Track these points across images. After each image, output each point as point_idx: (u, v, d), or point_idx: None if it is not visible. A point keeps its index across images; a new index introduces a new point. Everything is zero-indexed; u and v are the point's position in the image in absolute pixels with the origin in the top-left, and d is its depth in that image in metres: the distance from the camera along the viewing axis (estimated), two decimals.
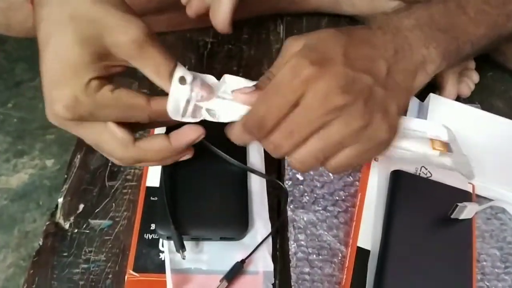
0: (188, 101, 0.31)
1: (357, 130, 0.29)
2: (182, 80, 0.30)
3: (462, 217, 0.39)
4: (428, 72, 0.34)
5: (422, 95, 0.48)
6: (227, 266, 0.38)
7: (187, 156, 0.35)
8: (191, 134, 0.33)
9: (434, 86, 0.52)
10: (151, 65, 0.29)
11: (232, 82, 0.32)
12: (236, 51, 0.57)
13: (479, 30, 0.37)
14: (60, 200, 0.43)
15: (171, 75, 0.30)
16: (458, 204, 0.39)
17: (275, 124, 0.29)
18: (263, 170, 0.44)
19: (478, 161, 0.43)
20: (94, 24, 0.28)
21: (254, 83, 0.32)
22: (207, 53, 0.57)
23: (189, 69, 0.54)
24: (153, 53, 0.29)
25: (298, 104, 0.28)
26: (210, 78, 0.33)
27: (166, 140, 0.33)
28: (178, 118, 0.32)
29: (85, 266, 0.39)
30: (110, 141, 0.31)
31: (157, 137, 0.33)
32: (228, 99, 0.31)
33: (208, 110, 0.32)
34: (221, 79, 0.33)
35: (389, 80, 0.31)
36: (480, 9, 0.37)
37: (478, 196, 0.44)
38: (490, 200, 0.44)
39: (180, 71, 0.30)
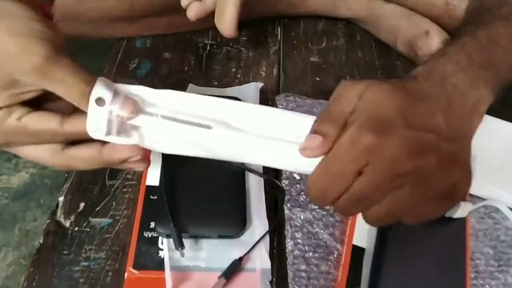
0: (110, 121, 0.29)
1: (435, 189, 0.28)
2: (100, 100, 0.29)
3: (456, 216, 0.40)
4: (481, 111, 0.33)
5: None
6: (225, 263, 0.39)
7: (138, 168, 0.33)
8: (124, 152, 0.31)
9: None
10: (61, 88, 0.28)
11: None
12: (234, 52, 0.58)
13: None
14: (61, 198, 0.44)
15: (86, 95, 0.29)
16: None
17: (338, 195, 0.29)
18: (260, 170, 0.45)
19: (473, 161, 0.44)
20: None
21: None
22: (206, 54, 0.58)
23: (188, 70, 0.55)
24: (61, 75, 0.28)
25: (362, 173, 0.27)
26: (142, 91, 0.31)
27: (98, 151, 0.31)
28: (101, 137, 0.30)
29: (85, 264, 0.40)
30: (37, 149, 0.31)
31: (89, 146, 0.31)
32: (165, 118, 0.30)
33: (135, 128, 0.30)
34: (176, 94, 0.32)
35: (450, 131, 0.29)
36: (510, 36, 0.37)
37: (471, 195, 0.45)
38: (484, 199, 0.45)
39: (98, 90, 0.29)
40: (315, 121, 0.30)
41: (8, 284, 0.59)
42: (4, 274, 0.60)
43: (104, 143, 0.31)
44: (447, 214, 0.40)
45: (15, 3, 0.29)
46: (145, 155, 0.32)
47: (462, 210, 0.40)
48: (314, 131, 0.29)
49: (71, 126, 0.30)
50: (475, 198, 0.45)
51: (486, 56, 0.35)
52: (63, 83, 0.28)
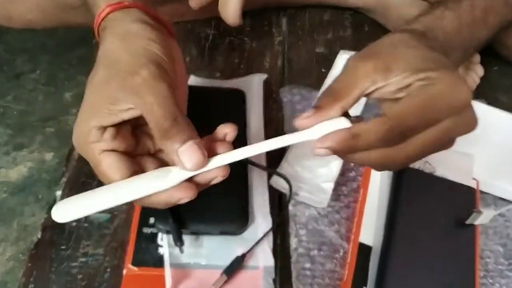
0: None
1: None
2: None
3: (477, 222, 0.38)
4: None
5: None
6: (227, 260, 0.37)
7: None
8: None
9: None
10: (147, 114, 0.28)
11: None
12: (238, 43, 0.56)
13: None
14: (59, 193, 0.43)
15: (165, 133, 0.27)
16: (473, 210, 0.38)
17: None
18: (264, 163, 0.43)
19: (482, 157, 0.42)
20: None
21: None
22: (209, 45, 0.56)
23: (190, 61, 0.54)
24: (150, 100, 0.27)
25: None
26: None
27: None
28: None
29: (83, 259, 0.39)
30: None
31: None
32: None
33: None
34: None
35: None
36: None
37: (482, 192, 0.43)
38: (494, 196, 0.44)
39: None
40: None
41: (7, 279, 0.58)
42: (3, 269, 0.59)
43: None
44: (468, 221, 0.38)
45: (141, 24, 0.30)
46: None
47: (484, 217, 0.37)
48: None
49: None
50: (485, 195, 0.44)
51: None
52: (149, 109, 0.27)
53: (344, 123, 0.27)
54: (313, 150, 0.28)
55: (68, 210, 0.27)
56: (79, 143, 0.28)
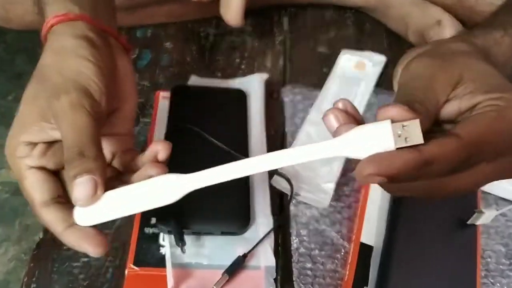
0: None
1: None
2: None
3: (479, 222, 0.38)
4: None
5: None
6: (228, 260, 0.37)
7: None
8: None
9: None
10: (62, 136, 0.27)
11: None
12: (238, 42, 0.56)
13: None
14: None
15: (71, 162, 0.26)
16: (475, 210, 0.38)
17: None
18: None
19: None
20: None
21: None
22: (209, 44, 0.56)
23: (191, 61, 0.54)
24: (65, 124, 0.27)
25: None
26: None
27: None
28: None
29: (85, 259, 0.39)
30: None
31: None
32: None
33: None
34: None
35: None
36: None
37: (483, 192, 0.43)
38: (496, 196, 0.44)
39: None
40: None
41: (9, 278, 0.58)
42: (5, 269, 0.59)
43: None
44: (470, 221, 0.38)
45: (79, 40, 0.29)
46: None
47: (486, 217, 0.38)
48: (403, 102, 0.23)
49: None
50: (487, 195, 0.44)
51: None
52: (63, 136, 0.27)
53: (387, 128, 0.21)
54: (357, 173, 0.22)
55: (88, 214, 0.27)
56: (8, 155, 0.28)
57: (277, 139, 0.48)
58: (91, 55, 0.29)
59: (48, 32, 0.30)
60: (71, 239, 0.27)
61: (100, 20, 0.32)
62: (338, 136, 0.23)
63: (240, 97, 0.48)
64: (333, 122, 0.24)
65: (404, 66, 0.27)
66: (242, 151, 0.43)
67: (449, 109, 0.25)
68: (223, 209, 0.39)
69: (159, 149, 0.29)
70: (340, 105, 0.25)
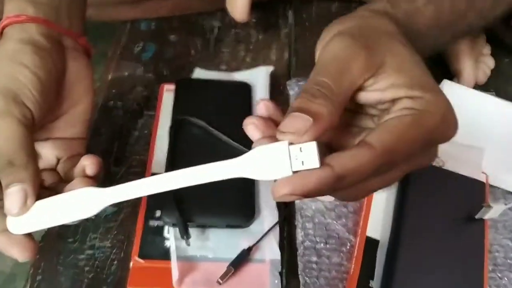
0: None
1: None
2: None
3: (487, 217, 0.37)
4: None
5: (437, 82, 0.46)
6: (233, 253, 0.37)
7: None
8: None
9: (450, 73, 0.50)
10: None
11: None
12: (243, 35, 0.56)
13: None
14: None
15: None
16: (483, 204, 0.37)
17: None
18: None
19: (492, 150, 0.42)
20: None
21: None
22: (214, 38, 0.56)
23: (195, 53, 0.54)
24: None
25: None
26: None
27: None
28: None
29: (90, 252, 0.39)
30: None
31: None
32: None
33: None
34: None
35: None
36: None
37: (491, 186, 0.43)
38: (504, 190, 0.43)
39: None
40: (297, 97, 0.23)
41: (16, 271, 0.59)
42: (12, 262, 0.60)
43: None
44: (478, 216, 0.38)
45: (23, 45, 0.29)
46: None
47: (494, 211, 0.37)
48: (297, 108, 0.22)
49: None
50: (495, 190, 0.43)
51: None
52: None
53: (284, 151, 0.22)
54: (273, 192, 0.22)
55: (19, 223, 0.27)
56: None
57: None
58: (31, 62, 0.28)
59: (1, 33, 0.30)
60: None
61: (59, 20, 0.31)
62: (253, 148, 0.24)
63: (245, 90, 0.48)
64: (252, 132, 0.25)
65: (325, 44, 0.26)
66: (246, 144, 0.42)
67: (370, 97, 0.24)
68: (228, 202, 0.39)
69: (87, 164, 0.29)
70: (262, 109, 0.25)
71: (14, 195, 0.26)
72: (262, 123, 0.25)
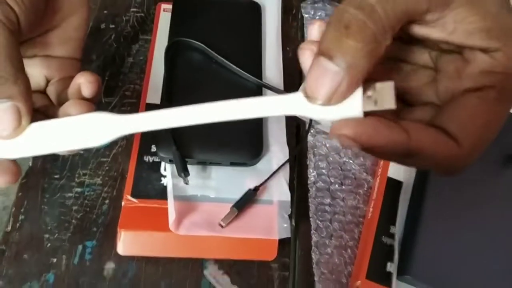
0: None
1: None
2: None
3: None
4: None
5: None
6: (238, 194, 0.34)
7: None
8: None
9: None
10: None
11: None
12: None
13: None
14: None
15: None
16: None
17: None
18: (281, 87, 0.38)
19: None
20: None
21: None
22: None
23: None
24: None
25: None
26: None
27: None
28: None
29: (79, 190, 0.35)
30: None
31: None
32: None
33: None
34: None
35: None
36: None
37: None
38: None
39: None
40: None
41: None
42: None
43: None
44: None
45: None
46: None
47: None
48: (322, 51, 0.19)
49: None
50: None
51: None
52: None
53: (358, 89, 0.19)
54: (333, 128, 0.19)
55: None
56: None
57: (295, 62, 0.42)
58: None
59: None
60: None
61: None
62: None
63: (254, 10, 0.41)
64: (308, 59, 0.20)
65: None
66: (254, 72, 0.37)
67: (431, 34, 0.20)
68: (233, 136, 0.34)
69: (83, 82, 0.25)
70: (317, 32, 0.20)
71: (5, 113, 0.22)
72: None
